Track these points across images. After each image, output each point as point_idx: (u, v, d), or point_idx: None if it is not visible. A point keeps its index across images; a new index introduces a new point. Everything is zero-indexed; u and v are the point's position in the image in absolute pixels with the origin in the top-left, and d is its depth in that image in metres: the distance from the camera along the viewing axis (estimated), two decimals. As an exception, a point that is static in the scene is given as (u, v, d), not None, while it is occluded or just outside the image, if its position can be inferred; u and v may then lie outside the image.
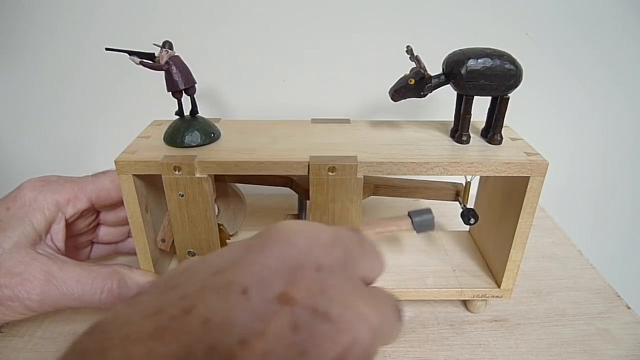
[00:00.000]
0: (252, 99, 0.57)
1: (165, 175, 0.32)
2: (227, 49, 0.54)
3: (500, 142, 0.36)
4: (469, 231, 0.47)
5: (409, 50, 0.34)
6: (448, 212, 0.42)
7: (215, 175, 0.35)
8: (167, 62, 0.33)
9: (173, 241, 0.37)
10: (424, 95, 0.35)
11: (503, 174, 0.33)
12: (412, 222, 0.36)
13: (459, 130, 0.36)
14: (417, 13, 0.52)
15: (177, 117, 0.36)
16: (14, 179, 0.37)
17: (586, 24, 0.54)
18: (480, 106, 0.36)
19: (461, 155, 0.34)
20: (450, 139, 0.37)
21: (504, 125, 0.36)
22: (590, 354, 0.37)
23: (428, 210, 0.36)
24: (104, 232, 0.42)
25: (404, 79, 0.35)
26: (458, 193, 0.41)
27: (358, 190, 0.33)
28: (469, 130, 0.36)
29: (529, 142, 0.36)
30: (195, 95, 0.35)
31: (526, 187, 0.33)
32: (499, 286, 0.39)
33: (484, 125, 0.37)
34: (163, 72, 0.33)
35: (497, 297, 0.39)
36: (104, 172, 0.38)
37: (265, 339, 0.16)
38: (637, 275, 0.72)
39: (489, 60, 0.33)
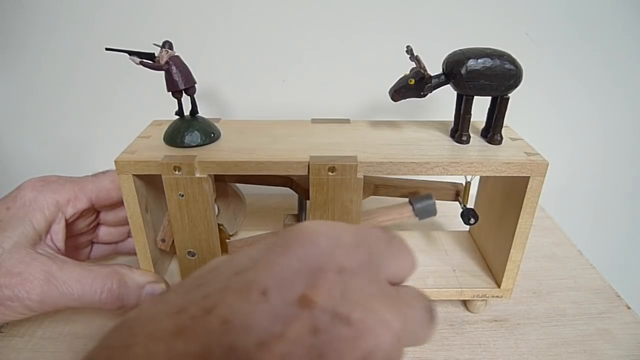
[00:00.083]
0: (252, 99, 0.57)
1: (165, 175, 0.32)
2: (227, 49, 0.54)
3: (500, 142, 0.36)
4: (469, 231, 0.47)
5: (409, 50, 0.34)
6: (448, 212, 0.42)
7: (215, 175, 0.35)
8: (167, 62, 0.33)
9: (173, 241, 0.37)
10: (424, 95, 0.35)
11: (503, 174, 0.33)
12: (413, 209, 0.36)
13: (459, 130, 0.36)
14: (417, 13, 0.52)
15: (177, 117, 0.36)
16: (14, 179, 0.37)
17: (586, 24, 0.54)
18: (480, 106, 0.36)
19: (461, 155, 0.34)
20: (450, 139, 0.37)
21: (504, 125, 0.36)
22: (590, 354, 0.37)
23: (429, 196, 0.36)
24: (104, 232, 0.42)
25: (404, 79, 0.35)
26: (458, 193, 0.41)
27: (358, 190, 0.33)
28: (469, 130, 0.36)
29: (529, 142, 0.36)
30: (195, 95, 0.35)
31: (526, 187, 0.33)
32: (499, 286, 0.39)
33: (484, 125, 0.37)
34: (163, 72, 0.33)
35: (497, 297, 0.39)
36: (104, 172, 0.38)
37: (283, 342, 0.15)
38: (637, 275, 0.72)
39: (489, 60, 0.33)
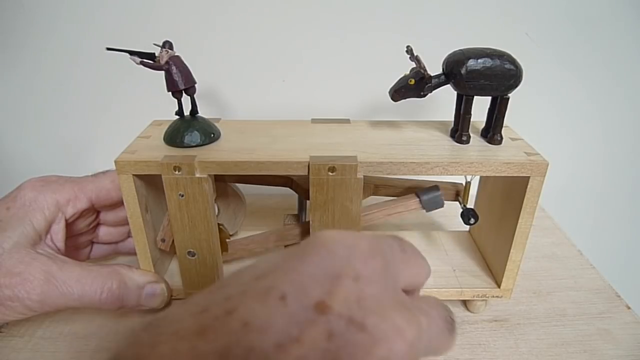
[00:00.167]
0: (252, 99, 0.57)
1: (165, 175, 0.33)
2: (226, 49, 0.54)
3: (500, 142, 0.36)
4: (469, 231, 0.47)
5: (409, 50, 0.34)
6: (448, 212, 0.42)
7: (215, 175, 0.35)
8: (167, 62, 0.33)
9: (173, 241, 0.37)
10: (424, 95, 0.35)
11: (503, 174, 0.33)
12: (420, 201, 0.36)
13: (459, 130, 0.36)
14: (417, 13, 0.52)
15: (177, 117, 0.36)
16: (14, 179, 0.37)
17: (586, 24, 0.54)
18: (480, 106, 0.36)
19: (461, 155, 0.34)
20: (450, 139, 0.37)
21: (504, 125, 0.36)
22: (590, 354, 0.37)
23: (435, 188, 0.36)
24: (104, 232, 0.42)
25: (404, 79, 0.35)
26: (458, 193, 0.41)
27: (358, 190, 0.33)
28: (469, 130, 0.36)
29: (529, 142, 0.36)
30: (195, 95, 0.35)
31: (526, 187, 0.33)
32: (499, 286, 0.39)
33: (484, 125, 0.37)
34: (163, 72, 0.33)
35: (497, 297, 0.39)
36: (104, 172, 0.38)
37: (300, 345, 0.16)
38: (637, 275, 0.72)
39: (489, 60, 0.33)
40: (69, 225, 0.36)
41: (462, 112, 0.35)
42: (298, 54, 0.55)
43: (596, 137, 0.62)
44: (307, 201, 0.35)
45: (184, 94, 0.34)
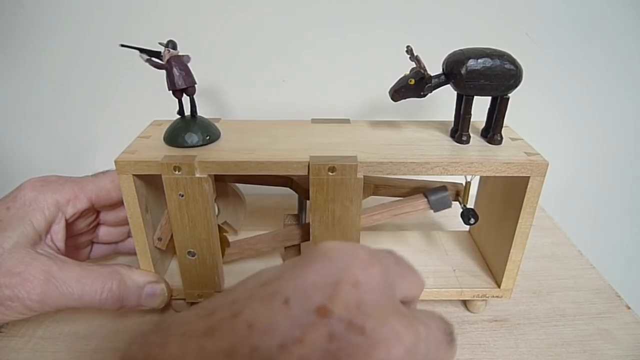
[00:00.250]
0: (252, 98, 0.57)
1: (165, 175, 0.32)
2: (226, 49, 0.54)
3: (500, 142, 0.36)
4: (469, 231, 0.47)
5: (409, 50, 0.34)
6: (448, 212, 0.41)
7: (215, 175, 0.35)
8: (168, 61, 0.33)
9: (170, 240, 0.37)
10: (424, 95, 0.35)
11: (503, 174, 0.33)
12: (428, 201, 0.36)
13: (459, 130, 0.36)
14: (417, 13, 0.52)
15: (178, 117, 0.36)
16: (14, 179, 0.37)
17: (586, 24, 0.54)
18: (480, 106, 0.36)
19: (461, 155, 0.34)
20: (450, 139, 0.37)
21: (504, 125, 0.36)
22: (590, 354, 0.37)
23: (443, 188, 0.37)
24: (104, 232, 0.42)
25: (404, 79, 0.35)
26: (458, 193, 0.41)
27: (358, 190, 0.33)
28: (469, 130, 0.36)
29: (529, 142, 0.36)
30: (195, 96, 0.35)
31: (526, 187, 0.33)
32: (499, 286, 0.39)
33: (484, 125, 0.37)
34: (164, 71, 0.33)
35: (497, 297, 0.39)
36: (104, 172, 0.38)
37: (302, 346, 0.17)
38: (637, 275, 0.72)
39: (489, 60, 0.33)
40: (69, 225, 0.36)
41: (462, 112, 0.35)
42: (298, 54, 0.55)
43: (596, 137, 0.62)
44: (307, 201, 0.35)
45: (184, 93, 0.34)
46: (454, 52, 0.34)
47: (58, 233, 0.35)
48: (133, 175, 0.33)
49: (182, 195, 0.33)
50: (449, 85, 0.35)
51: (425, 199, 0.37)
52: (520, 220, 0.35)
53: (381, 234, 0.48)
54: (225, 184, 0.43)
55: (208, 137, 0.35)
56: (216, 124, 0.38)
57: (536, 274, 0.46)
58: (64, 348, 0.37)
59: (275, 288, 0.19)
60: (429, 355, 0.20)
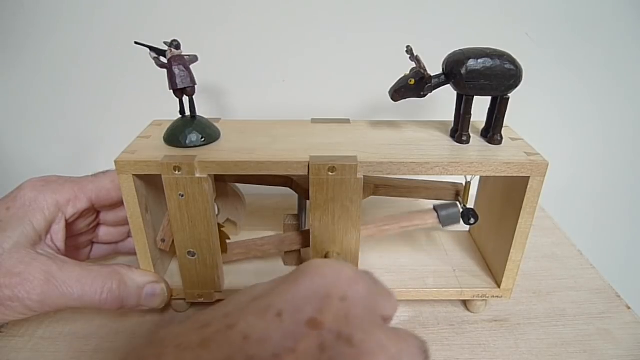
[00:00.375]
0: (252, 98, 0.57)
1: (165, 175, 0.32)
2: (227, 49, 0.54)
3: (500, 142, 0.36)
4: (469, 231, 0.47)
5: (409, 50, 0.34)
6: (448, 212, 0.42)
7: (215, 175, 0.35)
8: (168, 61, 0.33)
9: (173, 241, 0.37)
10: (424, 95, 0.35)
11: (503, 174, 0.33)
12: (438, 216, 0.37)
13: (459, 130, 0.36)
14: (417, 13, 0.52)
15: (177, 117, 0.36)
16: (14, 179, 0.37)
17: (586, 24, 0.54)
18: (480, 106, 0.36)
19: (461, 155, 0.34)
20: (450, 139, 0.37)
21: (504, 125, 0.36)
22: (590, 354, 0.37)
23: (454, 204, 0.37)
24: (104, 232, 0.42)
25: (404, 79, 0.35)
26: (458, 193, 0.41)
27: (358, 190, 0.33)
28: (469, 130, 0.36)
29: (529, 142, 0.36)
30: (195, 96, 0.35)
31: (526, 187, 0.33)
32: (499, 286, 0.39)
33: (484, 125, 0.37)
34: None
35: (497, 297, 0.39)
36: (104, 172, 0.38)
37: (295, 355, 0.18)
38: (637, 275, 0.72)
39: (489, 60, 0.33)
40: (69, 225, 0.36)
41: (462, 112, 0.35)
42: (298, 54, 0.55)
43: (596, 137, 0.62)
44: (307, 201, 0.35)
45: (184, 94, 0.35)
46: (454, 52, 0.34)
47: (58, 233, 0.35)
48: (133, 175, 0.33)
49: (182, 195, 0.33)
50: (449, 85, 0.35)
51: (436, 214, 0.37)
52: (520, 220, 0.35)
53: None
54: (225, 183, 0.43)
55: (208, 137, 0.35)
56: (216, 124, 0.38)
57: (536, 274, 0.46)
58: (64, 348, 0.37)
59: (268, 301, 0.20)
60: None
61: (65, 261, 0.33)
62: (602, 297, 0.43)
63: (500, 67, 0.33)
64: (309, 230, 0.36)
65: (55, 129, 0.61)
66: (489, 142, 0.36)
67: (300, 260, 0.42)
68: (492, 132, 0.36)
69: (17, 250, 0.32)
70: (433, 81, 0.35)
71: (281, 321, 0.19)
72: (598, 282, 0.45)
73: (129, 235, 0.43)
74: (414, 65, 0.35)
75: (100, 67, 0.55)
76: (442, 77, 0.35)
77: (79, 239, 0.40)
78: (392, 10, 0.52)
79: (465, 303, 0.41)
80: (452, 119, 0.37)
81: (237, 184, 0.44)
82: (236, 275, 0.41)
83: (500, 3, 0.52)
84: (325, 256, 0.36)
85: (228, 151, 0.34)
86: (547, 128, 0.60)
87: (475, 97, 0.35)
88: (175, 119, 0.36)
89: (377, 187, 0.41)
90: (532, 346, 0.37)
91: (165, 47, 0.33)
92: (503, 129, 0.36)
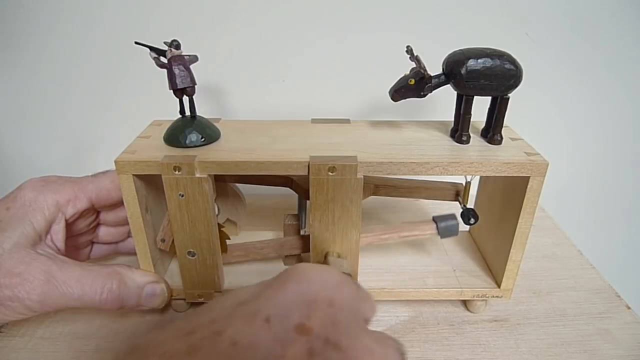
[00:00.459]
0: (252, 99, 0.58)
1: (165, 175, 0.32)
2: (227, 49, 0.54)
3: (500, 142, 0.36)
4: (469, 231, 0.47)
5: (409, 50, 0.34)
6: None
7: (215, 175, 0.35)
8: (168, 61, 0.33)
9: (173, 241, 0.37)
10: (424, 95, 0.35)
11: (503, 174, 0.33)
12: (437, 227, 0.37)
13: (459, 130, 0.36)
14: (417, 13, 0.52)
15: (177, 117, 0.36)
16: (14, 179, 0.37)
17: (586, 24, 0.54)
18: (480, 106, 0.36)
19: (461, 155, 0.34)
20: (450, 139, 0.37)
21: (504, 125, 0.36)
22: (590, 354, 0.37)
23: (452, 216, 0.37)
24: (104, 232, 0.42)
25: (404, 79, 0.35)
26: (458, 193, 0.41)
27: (358, 190, 0.33)
28: (469, 130, 0.36)
29: (529, 142, 0.36)
30: (195, 96, 0.35)
31: (526, 187, 0.33)
32: (499, 286, 0.39)
33: (484, 125, 0.37)
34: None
35: (497, 297, 0.39)
36: (104, 172, 0.38)
37: None
38: (637, 275, 0.72)
39: (489, 60, 0.33)
40: (69, 225, 0.36)
41: (462, 112, 0.35)
42: (298, 54, 0.55)
43: (596, 137, 0.62)
44: (307, 201, 0.35)
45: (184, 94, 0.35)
46: (454, 52, 0.34)
47: (58, 233, 0.35)
48: (133, 175, 0.33)
49: (182, 195, 0.33)
50: (449, 85, 0.35)
51: (434, 225, 0.37)
52: (520, 220, 0.35)
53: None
54: (225, 183, 0.43)
55: (208, 137, 0.35)
56: (216, 124, 0.38)
57: (536, 274, 0.46)
58: (64, 348, 0.37)
59: (256, 307, 0.20)
60: None
61: (65, 261, 0.33)
62: (602, 297, 0.43)
63: (500, 67, 0.33)
64: (308, 235, 0.36)
65: (55, 128, 0.61)
66: (489, 142, 0.36)
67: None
68: (492, 132, 0.36)
69: (17, 250, 0.32)
70: (433, 81, 0.35)
71: (270, 327, 0.19)
72: (598, 282, 0.45)
73: (129, 235, 0.43)
74: (414, 65, 0.35)
75: (100, 67, 0.55)
76: (442, 77, 0.35)
77: (79, 239, 0.40)
78: (392, 10, 0.52)
79: (465, 303, 0.41)
80: (452, 119, 0.37)
81: (237, 184, 0.44)
82: (236, 276, 0.41)
83: (500, 3, 0.52)
84: (326, 256, 0.36)
85: (228, 151, 0.34)
86: (547, 128, 0.60)
87: (475, 97, 0.35)
88: (175, 119, 0.36)
89: (377, 187, 0.41)
90: (532, 346, 0.37)
91: (165, 47, 0.33)
92: (503, 129, 0.36)
